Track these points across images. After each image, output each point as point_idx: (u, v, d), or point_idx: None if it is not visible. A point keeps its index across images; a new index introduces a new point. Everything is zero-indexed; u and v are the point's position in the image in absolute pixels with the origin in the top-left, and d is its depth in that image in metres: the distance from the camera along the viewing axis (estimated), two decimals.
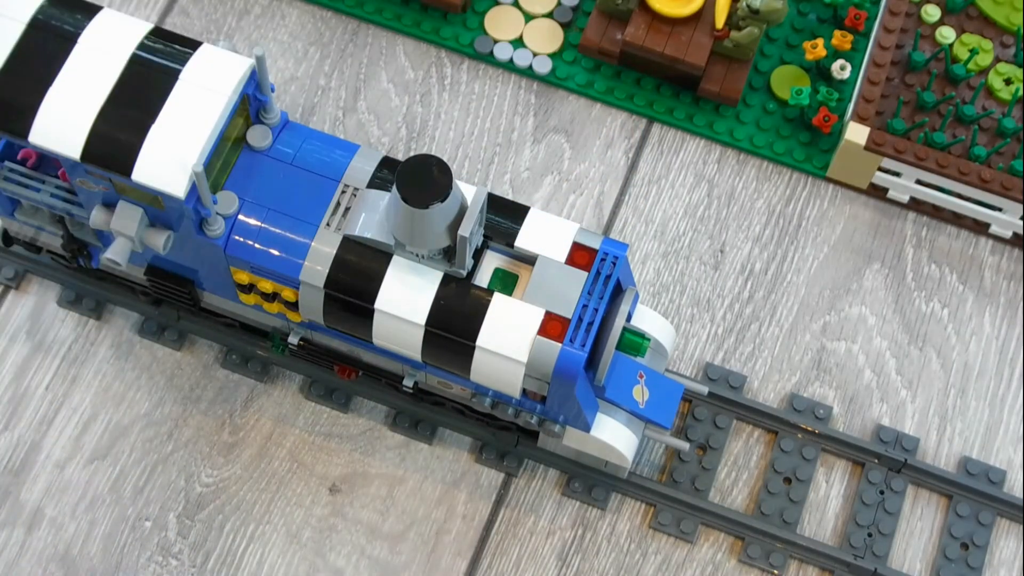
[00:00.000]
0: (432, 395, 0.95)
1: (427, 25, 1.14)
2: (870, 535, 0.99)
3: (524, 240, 0.84)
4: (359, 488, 0.99)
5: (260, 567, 0.96)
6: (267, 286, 0.86)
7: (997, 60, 1.11)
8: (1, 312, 1.02)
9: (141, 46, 0.80)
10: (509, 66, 1.13)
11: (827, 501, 1.01)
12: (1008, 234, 1.08)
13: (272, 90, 0.84)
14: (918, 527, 1.00)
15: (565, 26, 1.14)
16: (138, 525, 0.97)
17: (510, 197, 1.04)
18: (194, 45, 0.81)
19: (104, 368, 1.01)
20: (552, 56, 1.13)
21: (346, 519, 0.98)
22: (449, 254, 0.82)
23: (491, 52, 1.13)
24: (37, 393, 1.00)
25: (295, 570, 0.96)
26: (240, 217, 0.84)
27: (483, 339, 0.82)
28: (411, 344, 0.84)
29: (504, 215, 0.85)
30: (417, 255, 0.82)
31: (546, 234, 0.84)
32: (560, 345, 0.81)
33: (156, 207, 0.81)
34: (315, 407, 1.01)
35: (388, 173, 0.85)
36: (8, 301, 1.03)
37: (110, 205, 0.82)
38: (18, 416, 1.00)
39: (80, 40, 0.80)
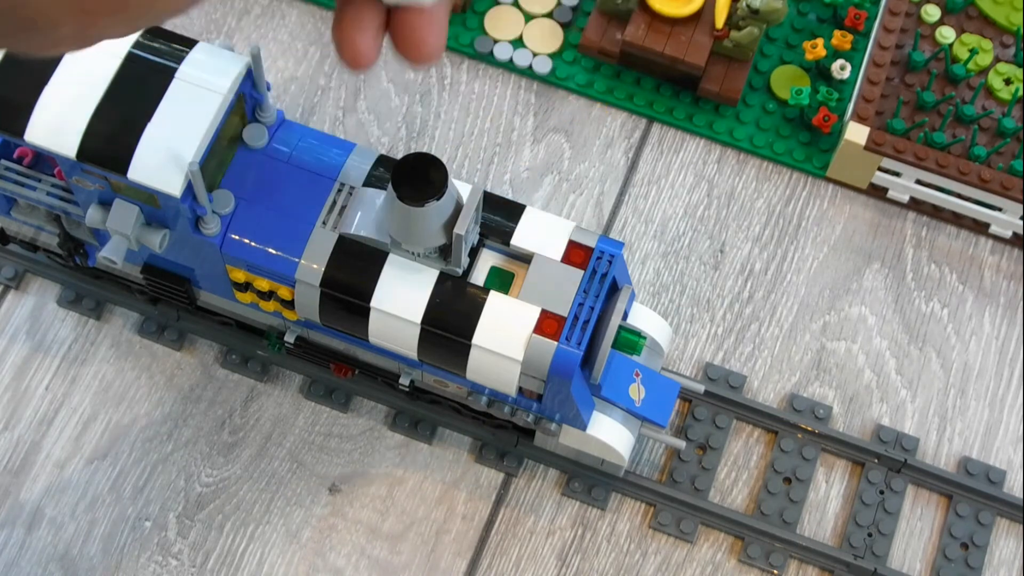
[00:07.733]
0: (429, 393, 0.95)
1: None
2: (870, 535, 0.98)
3: (520, 238, 0.84)
4: (359, 488, 0.99)
5: (260, 567, 0.96)
6: (263, 284, 0.86)
7: (997, 60, 1.11)
8: (1, 312, 1.03)
9: (137, 44, 0.80)
10: (509, 66, 1.13)
11: (827, 501, 1.00)
12: (1008, 234, 1.08)
13: (268, 88, 0.84)
14: (918, 527, 1.00)
15: (565, 26, 1.14)
16: (138, 525, 0.97)
17: (510, 197, 1.04)
18: (190, 43, 0.81)
19: (104, 368, 1.02)
20: (552, 56, 1.13)
21: (346, 519, 0.98)
22: (445, 252, 0.82)
23: (491, 52, 1.13)
24: (37, 393, 1.00)
25: (295, 570, 0.96)
26: (236, 215, 0.84)
27: (479, 337, 0.82)
28: (407, 342, 0.84)
29: (500, 213, 0.85)
30: (413, 253, 0.82)
31: (542, 232, 0.84)
32: (556, 343, 0.81)
33: (152, 205, 0.81)
34: (315, 407, 1.01)
35: (384, 171, 0.85)
36: (8, 301, 1.03)
37: (106, 203, 0.82)
38: (18, 416, 1.00)
39: None
